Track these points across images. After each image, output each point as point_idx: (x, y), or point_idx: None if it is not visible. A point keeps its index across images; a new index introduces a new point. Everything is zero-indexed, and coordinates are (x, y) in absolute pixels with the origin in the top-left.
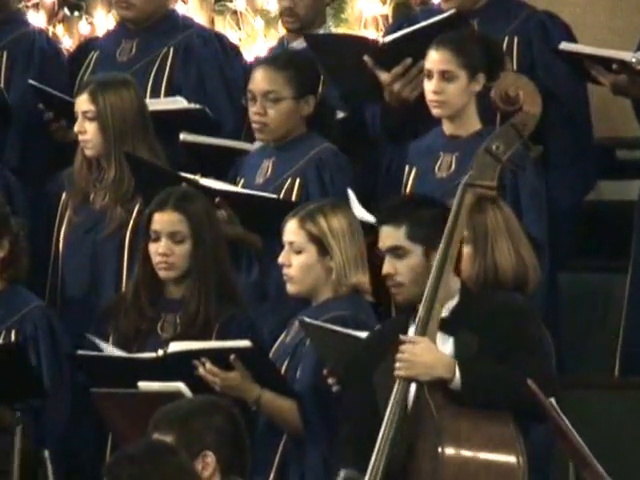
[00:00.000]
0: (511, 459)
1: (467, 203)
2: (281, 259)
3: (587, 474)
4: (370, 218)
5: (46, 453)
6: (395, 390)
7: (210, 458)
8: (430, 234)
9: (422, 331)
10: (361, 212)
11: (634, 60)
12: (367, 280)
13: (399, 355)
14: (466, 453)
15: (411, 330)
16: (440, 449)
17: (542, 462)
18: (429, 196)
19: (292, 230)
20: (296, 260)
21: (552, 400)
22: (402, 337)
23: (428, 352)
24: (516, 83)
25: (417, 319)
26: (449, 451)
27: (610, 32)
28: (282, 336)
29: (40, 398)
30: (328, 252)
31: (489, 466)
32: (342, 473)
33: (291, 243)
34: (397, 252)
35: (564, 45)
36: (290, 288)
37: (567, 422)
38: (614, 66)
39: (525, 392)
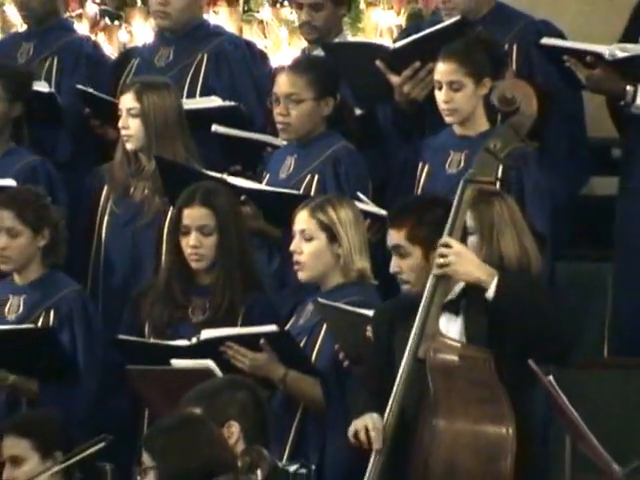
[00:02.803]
0: (501, 431)
1: (467, 197)
2: (293, 247)
3: (582, 445)
4: (383, 212)
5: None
6: (406, 356)
7: (234, 427)
8: (430, 236)
9: (426, 310)
10: (374, 208)
11: (607, 52)
12: (369, 266)
13: (445, 250)
14: (459, 426)
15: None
16: (435, 422)
17: (543, 432)
18: (437, 196)
19: (304, 219)
20: (307, 247)
21: (551, 378)
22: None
23: (473, 256)
24: (513, 86)
25: (423, 300)
26: (443, 424)
27: (608, 41)
28: (292, 319)
29: (70, 381)
30: (337, 240)
31: (480, 437)
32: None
33: (302, 231)
34: (399, 251)
35: (545, 40)
36: (301, 275)
37: (564, 398)
38: (588, 58)
39: (551, 315)
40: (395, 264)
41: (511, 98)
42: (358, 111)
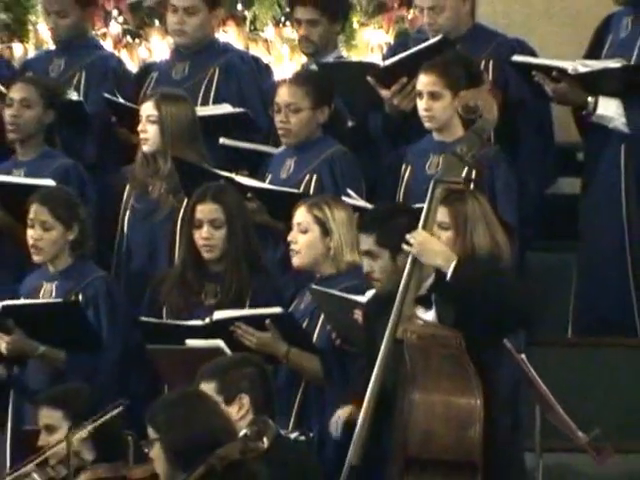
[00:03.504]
0: (470, 401)
1: (438, 195)
2: (290, 237)
3: (550, 415)
4: (370, 206)
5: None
6: (386, 337)
7: (245, 400)
8: (397, 241)
9: (403, 295)
10: (363, 203)
11: (571, 68)
12: (359, 260)
13: (415, 233)
14: (433, 398)
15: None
16: (412, 395)
17: (511, 401)
18: (404, 204)
19: (301, 213)
20: (302, 238)
21: (523, 356)
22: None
23: (438, 243)
24: (476, 96)
25: (400, 287)
26: (419, 397)
27: (574, 58)
28: (295, 303)
29: (95, 350)
30: (328, 234)
31: (452, 408)
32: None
33: (299, 224)
34: (370, 254)
35: (516, 57)
36: (295, 261)
37: (534, 373)
38: (554, 73)
39: (507, 288)
40: (367, 266)
41: (473, 106)
42: (350, 122)
